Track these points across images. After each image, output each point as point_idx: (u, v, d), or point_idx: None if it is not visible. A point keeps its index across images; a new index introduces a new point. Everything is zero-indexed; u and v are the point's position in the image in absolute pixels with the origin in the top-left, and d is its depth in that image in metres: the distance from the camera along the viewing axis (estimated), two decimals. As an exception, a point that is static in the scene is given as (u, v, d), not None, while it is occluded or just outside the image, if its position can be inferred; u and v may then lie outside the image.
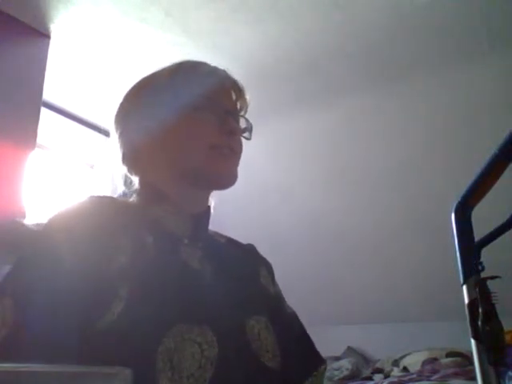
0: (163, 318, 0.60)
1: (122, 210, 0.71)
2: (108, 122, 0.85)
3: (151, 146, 0.76)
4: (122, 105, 0.82)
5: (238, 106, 0.82)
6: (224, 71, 0.81)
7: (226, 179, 0.75)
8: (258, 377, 0.66)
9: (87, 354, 0.56)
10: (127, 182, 0.81)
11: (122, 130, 0.80)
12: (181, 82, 0.77)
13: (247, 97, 0.82)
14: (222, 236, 0.85)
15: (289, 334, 0.75)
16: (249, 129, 0.81)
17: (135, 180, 0.79)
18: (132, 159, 0.78)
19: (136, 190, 0.78)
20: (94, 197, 0.71)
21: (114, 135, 0.81)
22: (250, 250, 0.87)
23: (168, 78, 0.78)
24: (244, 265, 0.81)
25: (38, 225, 0.99)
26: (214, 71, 0.80)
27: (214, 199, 0.82)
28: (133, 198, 0.77)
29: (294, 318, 0.81)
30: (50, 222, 0.66)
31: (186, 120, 0.74)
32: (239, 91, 0.81)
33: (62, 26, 2.16)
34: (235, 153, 0.76)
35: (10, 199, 1.97)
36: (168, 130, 0.75)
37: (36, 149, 2.13)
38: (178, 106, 0.75)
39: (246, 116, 0.83)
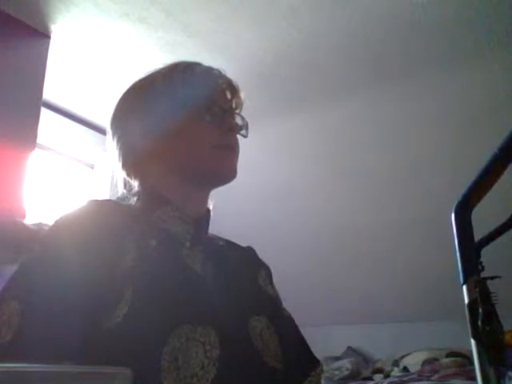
0: (168, 319, 0.60)
1: (125, 213, 0.72)
2: (107, 122, 0.85)
3: (152, 151, 0.76)
4: (118, 108, 0.82)
5: (234, 105, 0.82)
6: (218, 71, 0.81)
7: (229, 176, 0.78)
8: (261, 376, 0.67)
9: (93, 355, 0.56)
10: (127, 185, 0.81)
11: (120, 134, 0.80)
12: (177, 84, 0.77)
13: (242, 95, 0.83)
14: (220, 239, 0.85)
15: (288, 335, 0.76)
16: (245, 126, 0.82)
17: (135, 183, 0.79)
18: (132, 163, 0.79)
19: (136, 193, 0.78)
20: (96, 200, 0.71)
21: (112, 138, 0.81)
22: (248, 253, 0.87)
23: (164, 80, 0.78)
24: (243, 267, 0.81)
25: (37, 225, 0.99)
26: (208, 71, 0.81)
27: (214, 200, 0.82)
28: (133, 201, 0.77)
29: (290, 320, 0.81)
30: (56, 225, 0.66)
31: (186, 123, 0.75)
32: (234, 90, 0.82)
33: (62, 26, 2.16)
34: (234, 150, 0.78)
35: (10, 199, 1.96)
36: (168, 134, 0.76)
37: (36, 149, 2.12)
38: (177, 108, 0.76)
39: (245, 115, 0.83)
